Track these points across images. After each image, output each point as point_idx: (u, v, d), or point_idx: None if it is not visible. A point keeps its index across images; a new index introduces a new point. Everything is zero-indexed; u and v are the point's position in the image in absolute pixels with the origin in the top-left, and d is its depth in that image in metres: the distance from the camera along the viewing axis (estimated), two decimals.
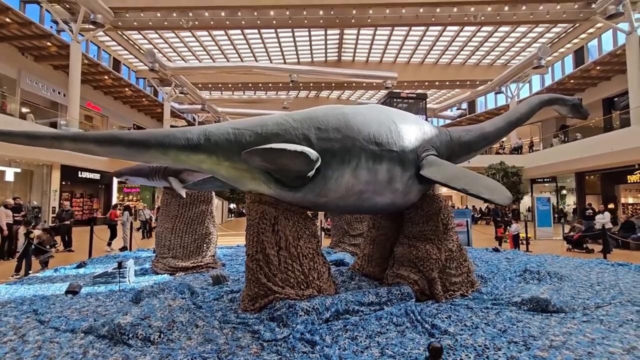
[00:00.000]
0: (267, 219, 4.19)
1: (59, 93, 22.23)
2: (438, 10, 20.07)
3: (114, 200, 25.40)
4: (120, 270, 5.57)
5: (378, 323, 3.84)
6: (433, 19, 20.82)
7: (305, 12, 20.28)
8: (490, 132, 6.70)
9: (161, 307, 3.69)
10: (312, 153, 3.47)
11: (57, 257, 8.96)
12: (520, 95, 28.39)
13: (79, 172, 21.50)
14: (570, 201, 26.31)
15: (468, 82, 31.20)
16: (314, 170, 3.87)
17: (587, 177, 23.71)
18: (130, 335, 3.32)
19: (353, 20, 20.95)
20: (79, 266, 7.21)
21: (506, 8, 19.88)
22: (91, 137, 3.56)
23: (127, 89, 27.41)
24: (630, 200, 21.57)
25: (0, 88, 18.53)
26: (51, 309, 4.49)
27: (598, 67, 22.07)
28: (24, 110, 19.69)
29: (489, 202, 4.35)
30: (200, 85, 31.51)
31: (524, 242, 10.54)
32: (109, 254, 9.30)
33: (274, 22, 20.97)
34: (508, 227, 11.23)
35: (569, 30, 24.87)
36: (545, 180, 27.56)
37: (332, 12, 20.21)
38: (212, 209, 7.32)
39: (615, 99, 23.08)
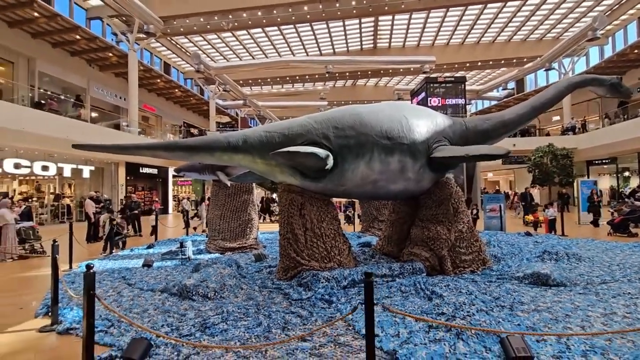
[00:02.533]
0: (295, 205, 5.07)
1: (120, 98, 25.03)
2: None
3: (170, 193, 28.25)
4: (182, 248, 6.84)
5: (388, 290, 4.57)
6: None
7: (338, 4, 20.64)
8: (511, 118, 6.85)
9: (215, 274, 4.77)
10: (320, 152, 4.24)
11: (129, 241, 10.72)
12: (575, 70, 26.23)
13: (140, 168, 24.27)
14: (634, 184, 24.14)
15: (514, 60, 29.41)
16: (330, 164, 4.63)
17: None
18: (194, 293, 4.42)
19: (386, 8, 20.90)
20: (149, 247, 8.78)
21: None
22: (158, 145, 4.66)
23: (177, 90, 29.96)
24: None
25: (73, 97, 21.39)
26: (134, 276, 5.83)
27: None
28: (94, 114, 22.62)
29: (490, 156, 4.89)
30: (241, 82, 33.26)
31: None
32: (170, 238, 10.91)
33: (308, 16, 21.62)
34: (544, 211, 11.10)
35: None
36: (604, 161, 25.47)
37: (364, 2, 20.35)
38: (253, 198, 8.42)
39: None
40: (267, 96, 37.94)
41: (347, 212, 16.15)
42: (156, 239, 10.24)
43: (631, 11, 23.28)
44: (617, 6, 23.38)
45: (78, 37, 19.84)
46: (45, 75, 19.66)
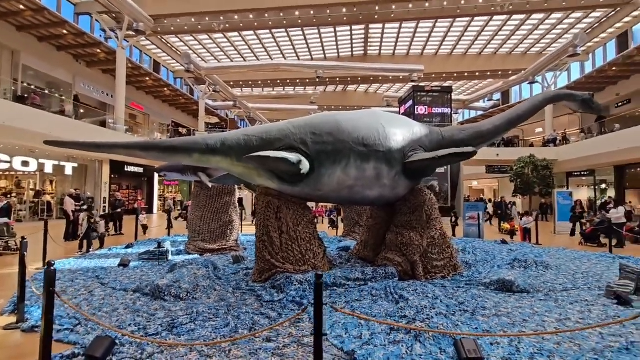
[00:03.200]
0: (271, 208, 5.15)
1: (107, 95, 24.69)
2: (463, 2, 19.86)
3: (156, 192, 27.89)
4: (160, 249, 6.83)
5: (359, 294, 4.69)
6: (458, 11, 20.61)
7: (329, 11, 20.91)
8: (488, 129, 7.09)
9: (189, 274, 4.80)
10: (291, 157, 4.34)
11: (110, 239, 10.59)
12: (557, 84, 27.12)
13: (125, 166, 23.91)
14: (611, 195, 24.99)
15: (500, 72, 30.23)
16: (305, 169, 4.73)
17: (628, 171, 22.44)
18: (166, 293, 4.45)
19: (376, 16, 21.29)
20: (127, 246, 8.70)
21: None
22: (135, 144, 4.69)
23: (166, 89, 29.73)
24: None
25: (58, 92, 21.02)
26: (109, 276, 5.80)
27: None
28: (80, 111, 22.28)
29: (458, 156, 5.05)
30: (232, 83, 33.22)
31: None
32: (151, 238, 10.82)
33: (300, 21, 21.83)
34: (520, 220, 11.44)
35: (610, 15, 23.37)
36: (583, 173, 26.32)
37: (355, 10, 20.67)
38: (235, 200, 8.45)
39: None
40: (257, 98, 37.95)
41: (332, 216, 16.27)
42: (136, 238, 10.15)
43: (610, 30, 24.26)
44: (597, 25, 24.33)
45: (65, 31, 19.58)
46: (29, 69, 19.30)
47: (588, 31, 24.37)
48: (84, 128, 17.56)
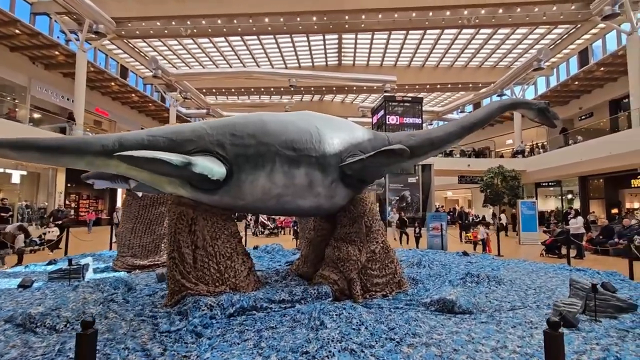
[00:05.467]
0: (184, 220, 4.47)
1: (67, 99, 23.32)
2: (431, 14, 20.06)
3: (119, 202, 26.37)
4: (72, 267, 5.97)
5: (280, 319, 4.04)
6: (427, 23, 20.82)
7: (299, 19, 20.66)
8: (439, 136, 6.71)
9: (75, 299, 4.03)
10: (173, 159, 3.66)
11: (41, 254, 9.52)
12: (525, 97, 27.83)
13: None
14: (577, 206, 25.56)
15: (470, 85, 30.86)
16: (209, 174, 4.06)
17: (591, 182, 23.01)
18: (38, 324, 3.66)
19: (347, 26, 21.20)
20: (49, 263, 7.70)
21: (500, 11, 19.69)
22: (5, 142, 3.94)
23: (133, 95, 28.55)
24: (636, 205, 20.80)
25: (11, 95, 19.65)
26: None
27: (602, 69, 21.49)
28: (36, 116, 20.93)
29: (388, 154, 4.50)
30: (204, 90, 32.37)
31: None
32: (86, 253, 9.79)
33: (269, 28, 21.46)
34: (471, 230, 11.20)
35: (571, 31, 24.30)
36: (550, 184, 26.89)
37: (325, 18, 20.51)
38: None
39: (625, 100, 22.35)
40: (231, 106, 37.13)
41: (296, 227, 15.60)
42: (66, 253, 9.10)
43: (572, 46, 25.21)
44: (560, 40, 25.24)
45: (18, 31, 18.35)
46: None
47: (552, 47, 25.21)
48: (37, 134, 16.25)
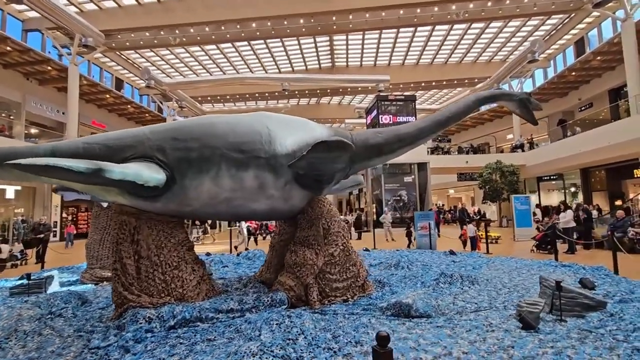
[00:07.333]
0: (125, 229, 4.31)
1: (63, 113, 23.53)
2: (418, 10, 19.83)
3: None
4: (32, 282, 5.84)
5: (223, 329, 3.84)
6: (415, 20, 20.59)
7: (286, 22, 20.59)
8: (408, 132, 6.49)
9: (8, 316, 3.87)
10: (74, 165, 3.43)
11: (20, 269, 9.45)
12: (523, 90, 27.32)
13: None
14: (580, 199, 24.91)
15: (466, 81, 30.43)
16: (157, 181, 3.91)
17: (593, 174, 22.41)
18: None
19: (335, 27, 21.07)
20: (21, 278, 7.58)
21: (489, 3, 19.38)
22: None
23: (129, 106, 28.76)
24: None
25: (6, 112, 19.87)
26: None
27: (599, 58, 20.94)
28: (33, 131, 21.21)
29: (327, 147, 4.29)
30: (200, 98, 32.52)
31: (495, 241, 10.12)
32: (64, 267, 9.67)
33: (258, 33, 21.43)
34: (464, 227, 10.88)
35: (565, 21, 23.82)
36: (552, 177, 26.29)
37: (312, 20, 20.41)
38: None
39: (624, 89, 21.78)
40: (228, 113, 37.28)
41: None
42: (42, 267, 9.02)
43: (567, 36, 24.69)
44: (554, 31, 24.76)
45: (9, 48, 18.58)
46: None
47: (546, 38, 24.76)
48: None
